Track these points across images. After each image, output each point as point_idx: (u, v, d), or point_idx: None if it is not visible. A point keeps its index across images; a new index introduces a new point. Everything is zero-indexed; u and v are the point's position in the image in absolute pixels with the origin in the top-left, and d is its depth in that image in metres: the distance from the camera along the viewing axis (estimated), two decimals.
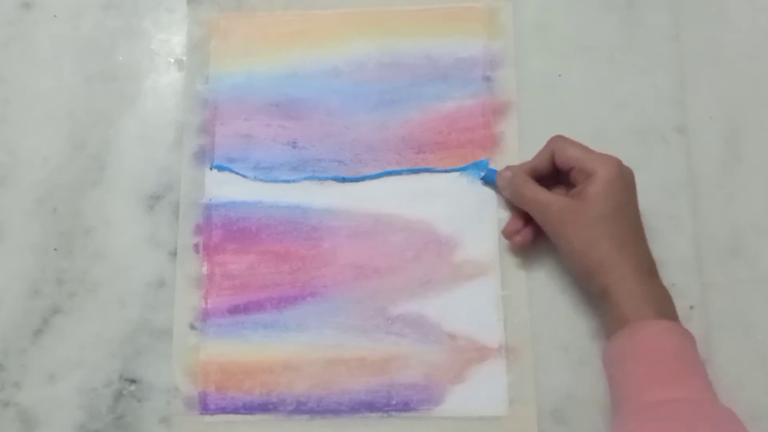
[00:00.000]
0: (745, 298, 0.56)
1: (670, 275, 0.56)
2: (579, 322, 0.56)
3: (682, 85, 0.60)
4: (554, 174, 0.56)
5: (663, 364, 0.48)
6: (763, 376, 0.55)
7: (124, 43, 0.64)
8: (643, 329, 0.49)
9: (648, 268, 0.52)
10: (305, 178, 0.60)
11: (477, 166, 0.59)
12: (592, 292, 0.53)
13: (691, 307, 0.56)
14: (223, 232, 0.59)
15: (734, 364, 0.55)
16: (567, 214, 0.52)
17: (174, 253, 0.59)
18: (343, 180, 0.60)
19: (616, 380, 0.50)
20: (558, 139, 0.55)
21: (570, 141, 0.55)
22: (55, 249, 0.60)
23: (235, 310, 0.58)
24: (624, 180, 0.53)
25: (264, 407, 0.56)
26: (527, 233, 0.56)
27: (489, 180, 0.58)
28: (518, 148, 0.59)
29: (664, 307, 0.50)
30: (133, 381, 0.57)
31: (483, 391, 0.55)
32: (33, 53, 0.64)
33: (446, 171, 0.59)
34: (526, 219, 0.56)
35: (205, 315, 0.58)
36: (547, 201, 0.54)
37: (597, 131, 0.60)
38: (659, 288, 0.52)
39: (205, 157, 0.61)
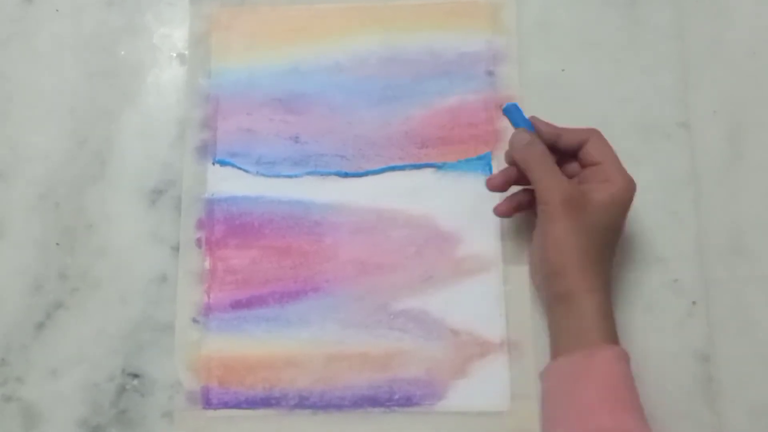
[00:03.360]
0: (746, 295, 0.56)
1: (672, 271, 0.56)
2: None
3: (685, 82, 0.60)
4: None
5: (614, 392, 0.47)
6: (764, 373, 0.55)
7: (126, 38, 0.64)
8: (602, 353, 0.48)
9: (610, 290, 0.51)
10: (307, 173, 0.60)
11: (480, 161, 0.59)
12: (552, 292, 0.51)
13: (694, 303, 0.56)
14: (225, 227, 0.59)
15: (735, 361, 0.55)
16: (567, 206, 0.50)
17: (176, 248, 0.59)
18: (346, 175, 0.60)
19: (558, 397, 0.49)
20: (598, 134, 0.53)
21: (606, 141, 0.53)
22: (57, 244, 0.60)
23: (237, 305, 0.58)
24: (628, 203, 0.52)
25: (266, 402, 0.56)
26: (510, 206, 0.55)
27: (508, 115, 0.54)
28: None
29: (615, 331, 0.50)
30: (135, 376, 0.57)
31: (485, 386, 0.56)
32: (34, 49, 0.64)
33: (449, 166, 0.59)
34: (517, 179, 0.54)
35: (208, 310, 0.58)
36: (554, 184, 0.51)
37: (600, 127, 0.59)
38: (612, 312, 0.51)
39: (207, 151, 0.61)
